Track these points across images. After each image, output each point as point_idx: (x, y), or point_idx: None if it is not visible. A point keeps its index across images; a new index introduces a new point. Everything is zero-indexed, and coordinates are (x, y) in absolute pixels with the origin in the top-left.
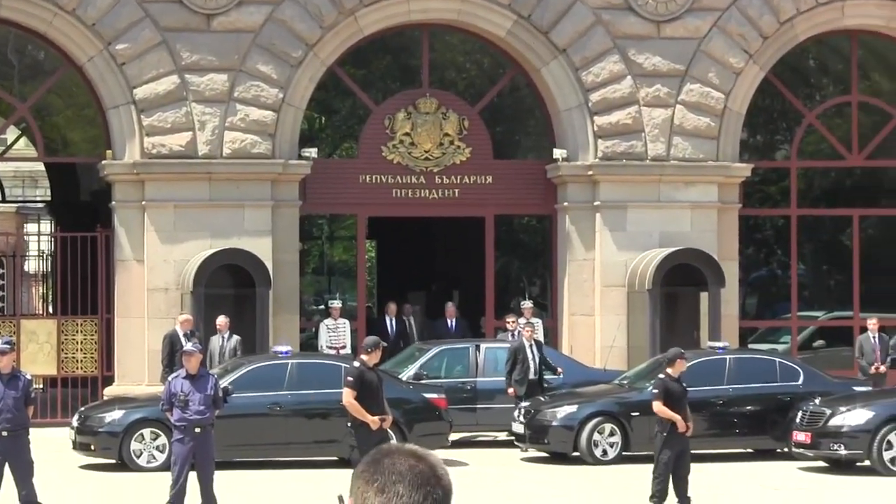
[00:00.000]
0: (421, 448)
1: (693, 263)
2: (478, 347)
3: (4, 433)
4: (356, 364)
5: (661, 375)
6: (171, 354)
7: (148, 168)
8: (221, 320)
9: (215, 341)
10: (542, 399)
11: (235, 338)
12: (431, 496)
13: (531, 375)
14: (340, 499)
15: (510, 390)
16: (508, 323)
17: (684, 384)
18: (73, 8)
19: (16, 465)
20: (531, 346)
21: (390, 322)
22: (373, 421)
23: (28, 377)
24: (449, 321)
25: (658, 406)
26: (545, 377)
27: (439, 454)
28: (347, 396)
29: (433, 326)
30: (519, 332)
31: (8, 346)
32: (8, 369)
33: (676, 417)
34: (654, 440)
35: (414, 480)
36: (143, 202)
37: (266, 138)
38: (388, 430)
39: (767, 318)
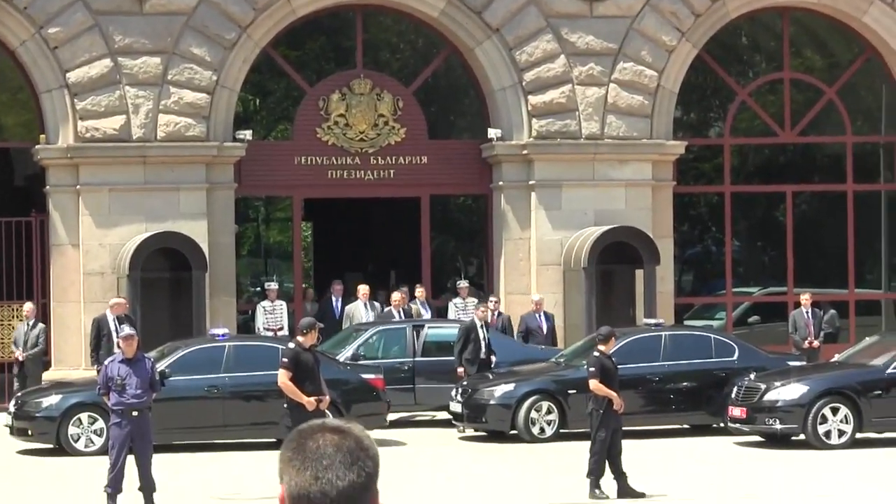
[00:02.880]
0: (341, 421)
1: (628, 241)
2: (415, 328)
3: (135, 413)
4: (291, 345)
5: (595, 353)
6: (99, 338)
7: (82, 152)
8: (28, 307)
9: (20, 328)
10: (489, 376)
11: (40, 325)
12: (364, 471)
13: (482, 355)
14: None
15: (460, 370)
16: (394, 302)
17: (615, 361)
18: None
19: (140, 446)
20: (482, 325)
21: (336, 303)
22: (308, 402)
23: (152, 360)
24: (334, 300)
25: (595, 384)
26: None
27: (377, 434)
28: (283, 377)
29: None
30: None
31: (133, 332)
32: (132, 353)
33: (613, 395)
34: (590, 418)
35: (345, 460)
36: (78, 186)
37: (200, 121)
38: (326, 411)
39: (702, 295)
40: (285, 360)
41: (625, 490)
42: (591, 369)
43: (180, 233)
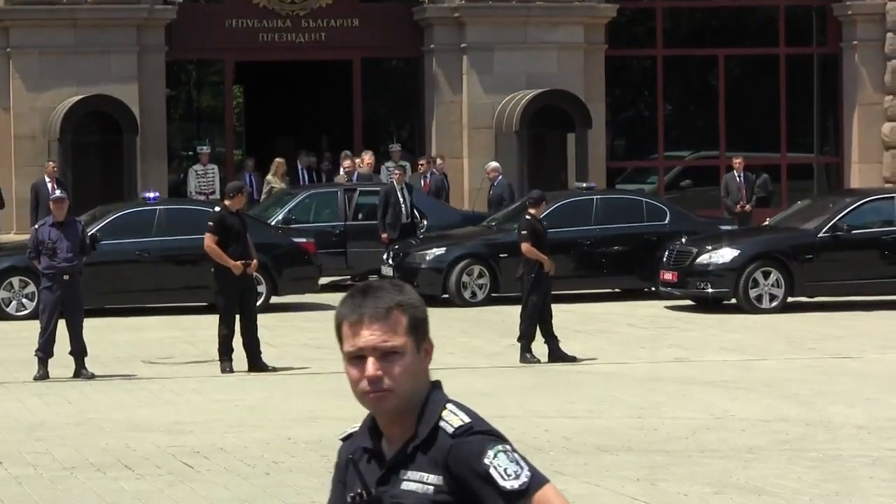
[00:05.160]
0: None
1: (560, 105)
2: (347, 191)
3: (66, 277)
4: (217, 209)
5: (527, 217)
6: (38, 203)
7: (12, 14)
8: None
9: None
10: (413, 242)
11: None
12: (401, 296)
13: (403, 219)
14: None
15: (383, 235)
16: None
17: (545, 224)
18: None
19: (71, 310)
20: (402, 189)
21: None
22: (234, 265)
23: (82, 224)
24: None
25: (527, 247)
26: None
27: (308, 298)
28: (208, 241)
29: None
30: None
31: (64, 195)
32: (62, 217)
33: (544, 258)
34: (520, 282)
35: (393, 288)
36: (8, 49)
37: None
38: (256, 274)
39: (634, 159)
40: (210, 223)
41: (556, 354)
42: (523, 232)
43: (111, 96)
